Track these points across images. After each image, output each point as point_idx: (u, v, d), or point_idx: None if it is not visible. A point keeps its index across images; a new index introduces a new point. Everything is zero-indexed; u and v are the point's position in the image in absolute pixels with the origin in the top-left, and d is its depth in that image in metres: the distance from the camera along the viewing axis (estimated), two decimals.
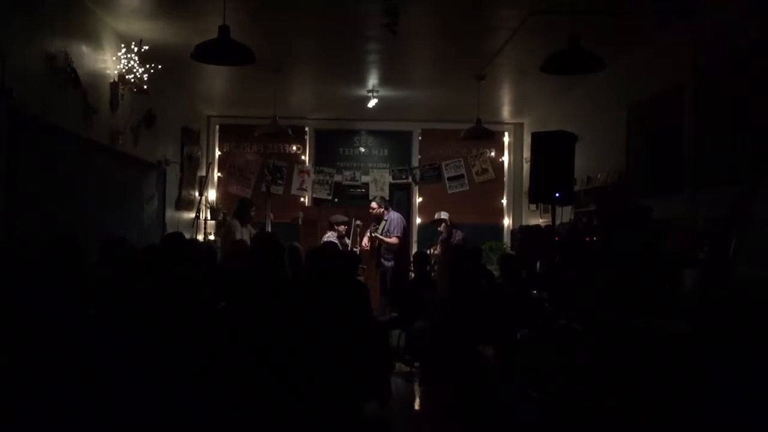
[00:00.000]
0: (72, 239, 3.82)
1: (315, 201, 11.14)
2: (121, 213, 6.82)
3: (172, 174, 8.76)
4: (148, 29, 6.43)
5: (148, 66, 6.60)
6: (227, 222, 8.54)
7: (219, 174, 11.08)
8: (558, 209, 5.95)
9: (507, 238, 11.07)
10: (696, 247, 4.73)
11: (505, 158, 11.35)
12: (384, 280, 8.78)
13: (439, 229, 9.34)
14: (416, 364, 6.96)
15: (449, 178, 11.17)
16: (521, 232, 8.15)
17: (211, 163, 10.75)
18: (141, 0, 5.88)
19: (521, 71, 7.75)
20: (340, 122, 11.17)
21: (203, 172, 10.33)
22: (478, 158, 11.21)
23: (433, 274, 8.01)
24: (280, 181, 10.89)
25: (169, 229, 8.15)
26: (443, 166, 11.16)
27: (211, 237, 9.93)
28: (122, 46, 6.48)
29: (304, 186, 11.07)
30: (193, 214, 9.54)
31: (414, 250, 10.12)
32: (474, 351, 5.04)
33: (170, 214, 8.64)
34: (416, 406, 6.20)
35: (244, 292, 3.78)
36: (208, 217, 10.05)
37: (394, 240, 8.61)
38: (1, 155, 4.57)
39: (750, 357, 3.10)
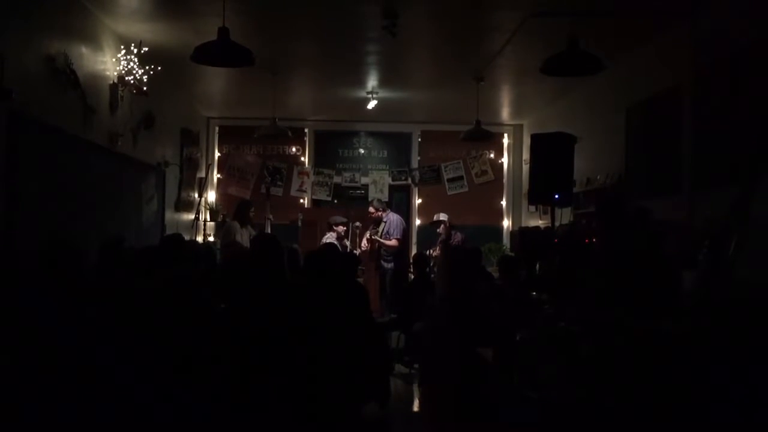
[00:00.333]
0: (71, 240, 3.82)
1: (314, 202, 11.14)
2: (120, 214, 6.82)
3: (172, 175, 8.76)
4: (148, 31, 6.43)
5: (147, 67, 6.60)
6: (227, 223, 8.54)
7: (218, 175, 11.07)
8: (557, 211, 5.95)
9: (506, 240, 11.07)
10: (695, 248, 4.73)
11: (505, 160, 11.36)
12: (383, 282, 8.78)
13: (438, 230, 9.34)
14: (415, 365, 6.96)
15: (449, 180, 11.17)
16: (521, 233, 8.15)
17: (210, 164, 10.74)
18: (140, 1, 5.88)
19: (520, 73, 7.76)
20: (339, 124, 11.17)
21: (203, 174, 10.33)
22: (477, 160, 11.22)
23: (432, 275, 8.00)
24: (279, 183, 10.89)
25: (169, 231, 8.15)
26: (443, 167, 11.16)
27: (211, 238, 9.93)
28: (122, 47, 6.48)
29: (303, 187, 11.07)
30: (192, 216, 9.54)
31: (413, 251, 10.12)
32: (473, 352, 5.04)
33: (169, 215, 8.64)
34: (415, 408, 6.19)
35: (243, 293, 3.78)
36: (208, 219, 10.05)
37: (393, 243, 8.61)
38: (1, 156, 4.57)
39: (750, 357, 3.10)
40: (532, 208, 10.12)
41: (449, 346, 5.64)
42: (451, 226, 9.25)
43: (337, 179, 11.16)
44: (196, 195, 9.82)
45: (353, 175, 11.26)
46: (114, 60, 6.45)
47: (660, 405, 3.42)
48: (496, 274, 7.14)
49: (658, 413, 3.41)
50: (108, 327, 2.92)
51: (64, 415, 2.61)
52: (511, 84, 8.60)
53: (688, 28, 5.77)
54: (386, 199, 10.11)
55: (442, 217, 9.36)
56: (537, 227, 8.51)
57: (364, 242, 8.95)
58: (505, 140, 11.31)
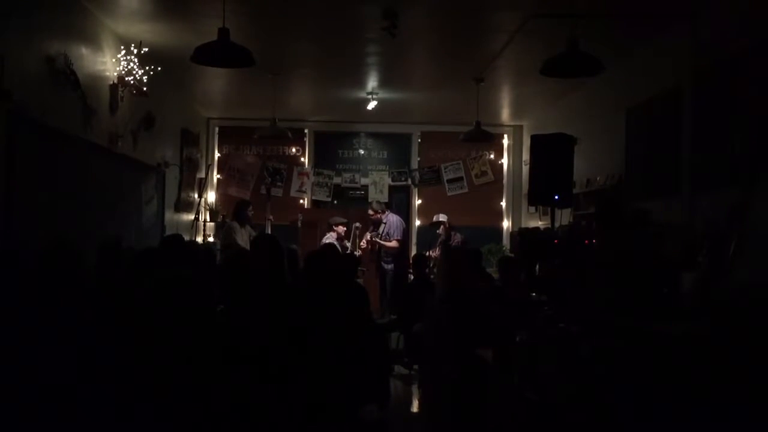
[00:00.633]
0: (71, 241, 3.82)
1: (314, 203, 11.14)
2: (120, 215, 6.82)
3: (172, 176, 8.76)
4: (148, 31, 6.43)
5: (147, 68, 6.60)
6: (227, 224, 8.54)
7: (218, 176, 11.08)
8: (557, 212, 5.94)
9: (506, 241, 11.07)
10: (695, 250, 4.74)
11: (505, 161, 11.36)
12: (383, 282, 8.78)
13: (438, 231, 9.34)
14: (415, 366, 6.96)
15: (448, 181, 11.17)
16: (520, 234, 8.15)
17: (210, 165, 10.75)
18: (141, 2, 5.88)
19: (520, 74, 7.77)
20: (339, 124, 11.17)
21: (202, 174, 10.33)
22: (477, 160, 11.22)
23: (432, 276, 8.00)
24: (279, 183, 10.89)
25: (169, 231, 8.15)
26: (442, 168, 11.17)
27: (210, 239, 9.93)
28: (122, 48, 6.48)
29: (303, 188, 11.07)
30: (192, 216, 9.54)
31: (413, 252, 10.12)
32: (473, 353, 5.03)
33: (169, 216, 8.64)
34: (415, 409, 6.20)
35: (243, 293, 3.78)
36: (208, 219, 10.06)
37: (393, 244, 8.62)
38: (0, 157, 4.57)
39: (750, 359, 3.10)
40: (532, 209, 10.12)
41: (449, 347, 5.63)
42: (450, 227, 9.25)
43: (336, 180, 11.17)
44: (196, 195, 9.82)
45: (353, 175, 11.26)
46: (114, 60, 6.45)
47: (660, 405, 3.42)
48: (495, 275, 7.14)
49: (658, 414, 3.41)
50: (108, 327, 2.92)
51: (64, 415, 2.61)
52: (511, 85, 8.61)
53: (688, 29, 5.77)
54: (386, 200, 10.11)
55: (442, 218, 9.36)
56: (537, 228, 8.50)
57: (364, 242, 8.95)
58: (505, 141, 11.31)
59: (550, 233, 5.76)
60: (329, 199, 11.10)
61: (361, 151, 11.42)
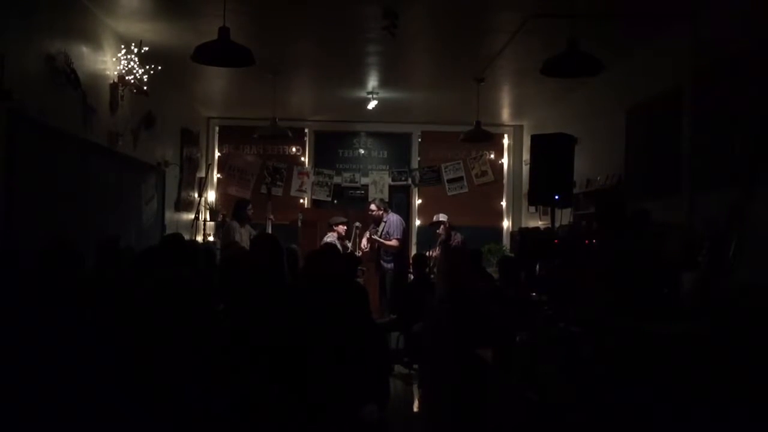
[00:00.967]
0: (70, 241, 3.82)
1: (314, 203, 11.14)
2: (120, 214, 6.82)
3: (172, 175, 8.77)
4: (148, 30, 6.43)
5: (147, 67, 6.60)
6: (226, 224, 8.55)
7: (218, 175, 11.08)
8: (557, 212, 5.93)
9: (506, 241, 11.07)
10: (695, 250, 4.74)
11: (505, 160, 11.36)
12: (383, 282, 8.78)
13: (438, 231, 9.34)
14: (415, 366, 6.96)
15: (449, 180, 11.17)
16: (520, 234, 8.15)
17: (210, 164, 10.75)
18: (141, 1, 5.88)
19: (521, 74, 7.76)
20: (339, 124, 11.17)
21: (203, 174, 10.33)
22: (477, 160, 11.22)
23: (432, 276, 8.01)
24: (279, 183, 10.89)
25: (169, 230, 8.15)
26: (443, 168, 11.17)
27: (210, 238, 9.93)
28: (122, 47, 6.48)
29: (303, 188, 11.07)
30: (192, 216, 9.54)
31: (413, 252, 10.12)
32: (473, 353, 5.03)
33: (169, 215, 8.64)
34: (415, 409, 6.20)
35: (242, 293, 3.78)
36: (208, 219, 10.06)
37: (394, 243, 8.61)
38: (0, 156, 4.57)
39: (750, 359, 3.10)
40: (532, 209, 10.12)
41: (449, 347, 5.63)
42: (450, 227, 9.25)
43: (337, 179, 11.17)
44: (196, 195, 9.82)
45: (353, 175, 11.26)
46: (114, 60, 6.45)
47: (660, 405, 3.42)
48: (495, 275, 7.14)
49: (658, 414, 3.41)
50: (108, 327, 2.92)
51: (64, 415, 2.61)
52: (512, 85, 8.61)
53: (688, 29, 5.77)
54: (386, 200, 10.11)
55: (442, 217, 9.36)
56: (537, 228, 8.51)
57: (364, 241, 8.95)
58: (505, 141, 11.31)
59: (550, 233, 5.76)
60: (329, 199, 11.10)
61: (362, 151, 11.42)
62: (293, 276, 4.93)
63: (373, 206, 8.87)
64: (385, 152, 11.44)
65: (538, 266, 5.84)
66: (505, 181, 11.35)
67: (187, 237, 7.29)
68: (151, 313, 2.81)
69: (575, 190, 6.72)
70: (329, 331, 3.86)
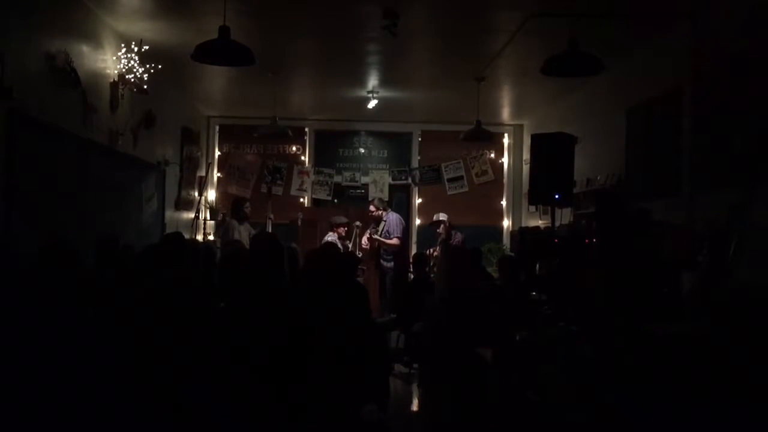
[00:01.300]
0: (69, 241, 3.82)
1: (314, 202, 11.13)
2: (120, 213, 6.82)
3: (172, 174, 8.76)
4: (149, 29, 6.43)
5: (148, 66, 6.60)
6: (225, 222, 8.55)
7: (218, 174, 11.07)
8: (557, 211, 5.95)
9: (506, 240, 11.07)
10: (695, 250, 4.73)
11: (505, 160, 11.35)
12: (383, 281, 8.77)
13: (438, 230, 9.34)
14: (415, 365, 6.96)
15: (449, 180, 11.16)
16: (521, 233, 8.15)
17: (210, 163, 10.74)
18: (141, 0, 5.88)
19: (521, 73, 7.76)
20: (339, 123, 11.16)
21: (203, 173, 10.33)
22: (477, 160, 11.21)
23: (432, 275, 8.01)
24: (279, 182, 10.89)
25: (169, 229, 8.15)
26: (443, 167, 11.16)
27: (210, 237, 9.93)
28: (122, 46, 6.48)
29: (303, 187, 11.06)
30: (192, 214, 9.53)
31: (413, 251, 10.11)
32: (473, 353, 5.04)
33: (169, 214, 8.64)
34: (415, 408, 6.20)
35: (242, 292, 3.78)
36: (208, 217, 10.04)
37: (394, 242, 8.61)
38: (0, 155, 4.57)
39: (750, 359, 3.10)
40: (532, 208, 10.11)
41: (449, 347, 5.64)
42: (451, 226, 9.25)
43: (337, 179, 11.16)
44: (196, 194, 9.82)
45: (353, 174, 11.26)
46: (114, 58, 6.44)
47: (660, 405, 3.43)
48: (495, 275, 7.15)
49: (658, 414, 3.41)
50: (108, 327, 2.92)
51: (64, 415, 2.61)
52: (512, 84, 8.60)
53: (688, 29, 5.77)
54: (386, 199, 10.11)
55: (442, 217, 9.36)
56: (537, 227, 8.52)
57: (365, 240, 8.95)
58: (506, 140, 11.30)
59: (550, 232, 5.76)
60: (329, 198, 11.09)
61: (362, 150, 11.41)
62: (293, 275, 4.93)
63: (372, 207, 8.88)
64: (386, 151, 11.43)
65: (538, 266, 5.85)
66: (505, 180, 11.34)
67: (187, 236, 7.28)
68: (151, 312, 2.81)
69: (575, 190, 6.73)
70: (329, 331, 3.86)
